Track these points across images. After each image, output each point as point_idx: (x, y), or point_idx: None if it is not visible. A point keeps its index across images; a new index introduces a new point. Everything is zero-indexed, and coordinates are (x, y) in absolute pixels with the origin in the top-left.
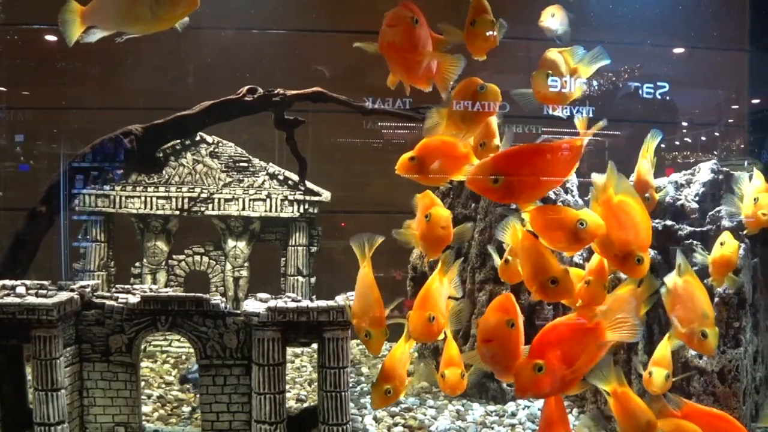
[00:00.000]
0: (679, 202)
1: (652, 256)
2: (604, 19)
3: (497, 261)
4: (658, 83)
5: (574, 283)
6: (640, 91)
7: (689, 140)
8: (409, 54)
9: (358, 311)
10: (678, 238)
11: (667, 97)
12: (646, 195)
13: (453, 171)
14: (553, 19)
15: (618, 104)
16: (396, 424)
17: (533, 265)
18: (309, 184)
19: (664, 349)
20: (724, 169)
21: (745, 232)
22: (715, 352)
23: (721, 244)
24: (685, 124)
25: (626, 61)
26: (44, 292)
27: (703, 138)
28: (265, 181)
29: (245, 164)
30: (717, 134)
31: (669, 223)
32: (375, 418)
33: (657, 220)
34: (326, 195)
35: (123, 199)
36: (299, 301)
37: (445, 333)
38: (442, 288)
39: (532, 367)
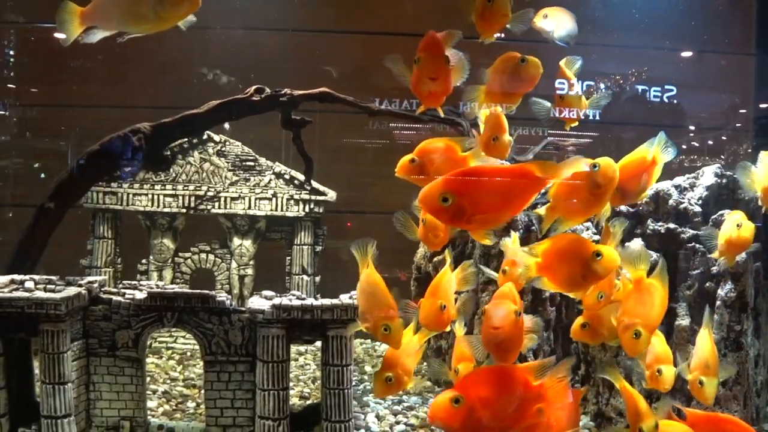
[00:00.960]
0: (682, 206)
1: (654, 258)
2: (611, 23)
3: (493, 275)
4: (665, 86)
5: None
6: (647, 95)
7: (696, 144)
8: (443, 93)
9: (368, 310)
10: (680, 241)
11: (674, 101)
12: None
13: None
14: (547, 20)
15: (624, 107)
16: (398, 422)
17: None
18: (315, 184)
19: (664, 345)
20: (728, 173)
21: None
22: (712, 402)
23: (738, 225)
24: (692, 127)
25: (633, 65)
26: (52, 287)
27: (710, 142)
28: (271, 180)
29: (252, 163)
30: (724, 138)
31: (672, 226)
32: (377, 416)
33: (660, 223)
34: (332, 195)
35: (130, 196)
36: (304, 299)
37: (453, 328)
38: (452, 282)
39: (451, 398)
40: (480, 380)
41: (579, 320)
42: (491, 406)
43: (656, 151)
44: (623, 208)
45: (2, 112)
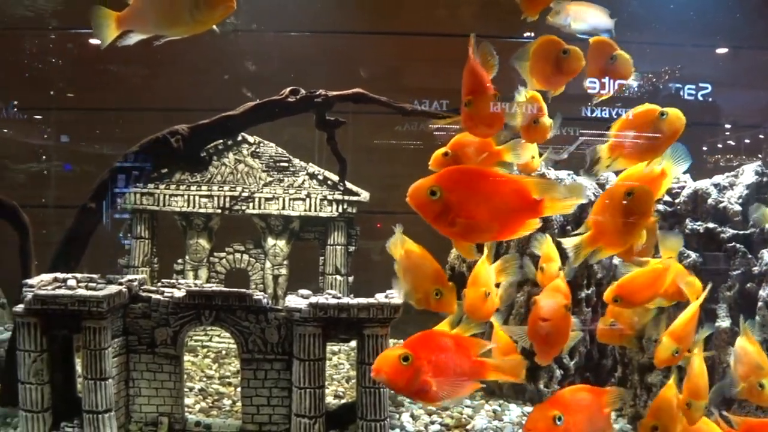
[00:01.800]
0: (721, 205)
1: (693, 258)
2: (644, 19)
3: (533, 271)
4: (700, 84)
5: None
6: (682, 93)
7: (732, 143)
8: (497, 129)
9: (416, 281)
10: (720, 240)
11: (710, 99)
12: None
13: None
14: (560, 15)
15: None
16: (433, 422)
17: None
18: (348, 184)
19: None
20: None
21: None
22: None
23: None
24: (727, 126)
25: (667, 62)
26: (94, 285)
27: (747, 140)
28: (304, 180)
29: (285, 164)
30: (761, 136)
31: (711, 226)
32: (412, 416)
33: (699, 223)
34: (365, 195)
35: (167, 197)
36: (340, 297)
37: (492, 324)
38: (492, 272)
39: (399, 356)
40: (431, 343)
41: (604, 320)
42: (440, 369)
43: (667, 163)
44: (660, 207)
45: (40, 117)
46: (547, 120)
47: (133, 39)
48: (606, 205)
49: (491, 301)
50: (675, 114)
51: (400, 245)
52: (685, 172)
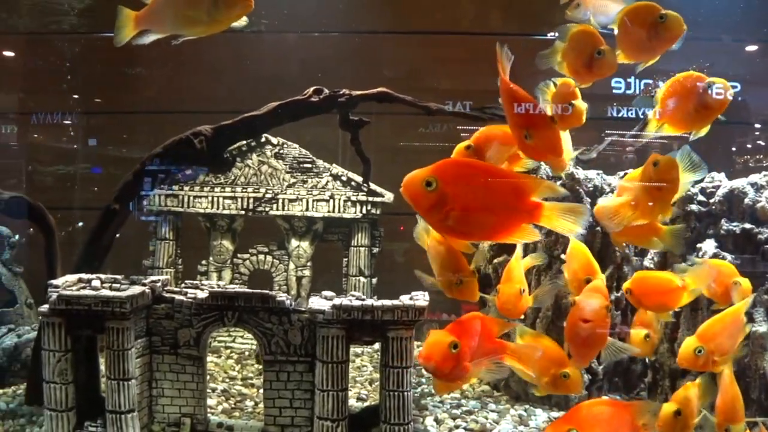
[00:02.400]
0: (759, 204)
1: (729, 260)
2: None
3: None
4: (730, 83)
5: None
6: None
7: (762, 142)
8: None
9: (440, 269)
10: (757, 242)
11: (739, 97)
12: None
13: (511, 162)
14: (579, 9)
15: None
16: (457, 427)
17: None
18: (372, 185)
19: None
20: None
21: None
22: None
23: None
24: (757, 125)
25: (695, 60)
26: (117, 285)
27: None
28: (328, 182)
29: (309, 165)
30: None
31: (748, 226)
32: (436, 420)
33: (735, 223)
34: (389, 196)
35: (191, 198)
36: (364, 299)
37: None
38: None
39: (449, 343)
40: (470, 329)
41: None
42: (472, 353)
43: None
44: (694, 207)
45: (68, 121)
46: (581, 103)
47: (150, 38)
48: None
49: (525, 298)
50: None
51: (426, 234)
52: (704, 173)
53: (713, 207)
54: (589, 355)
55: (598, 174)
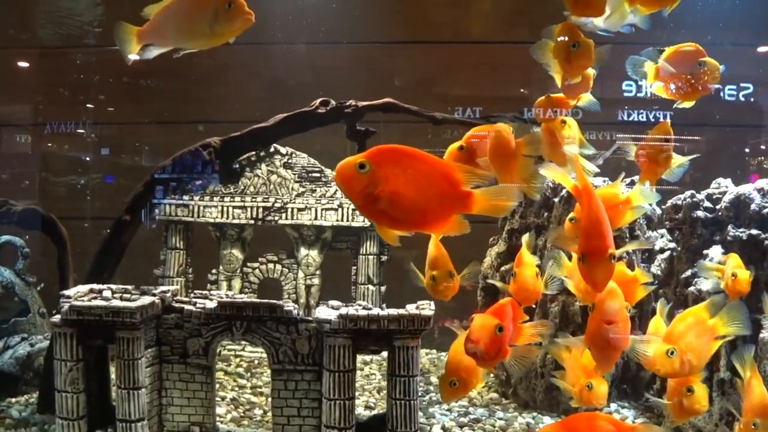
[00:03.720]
0: (765, 210)
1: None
2: (679, 18)
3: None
4: (741, 84)
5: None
6: (722, 93)
7: None
8: None
9: (426, 269)
10: (764, 248)
11: (751, 99)
12: None
13: None
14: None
15: (697, 108)
16: None
17: None
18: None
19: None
20: None
21: None
22: None
23: (733, 275)
24: None
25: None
26: (128, 296)
27: None
28: (337, 190)
29: (318, 174)
30: None
31: (755, 232)
32: (443, 428)
33: (741, 229)
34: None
35: (201, 208)
36: (370, 309)
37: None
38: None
39: (495, 326)
40: (506, 312)
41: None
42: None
43: (635, 194)
44: (701, 213)
45: (81, 131)
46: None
47: (154, 52)
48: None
49: (539, 282)
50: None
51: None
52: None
53: (719, 213)
54: (613, 357)
55: (604, 181)
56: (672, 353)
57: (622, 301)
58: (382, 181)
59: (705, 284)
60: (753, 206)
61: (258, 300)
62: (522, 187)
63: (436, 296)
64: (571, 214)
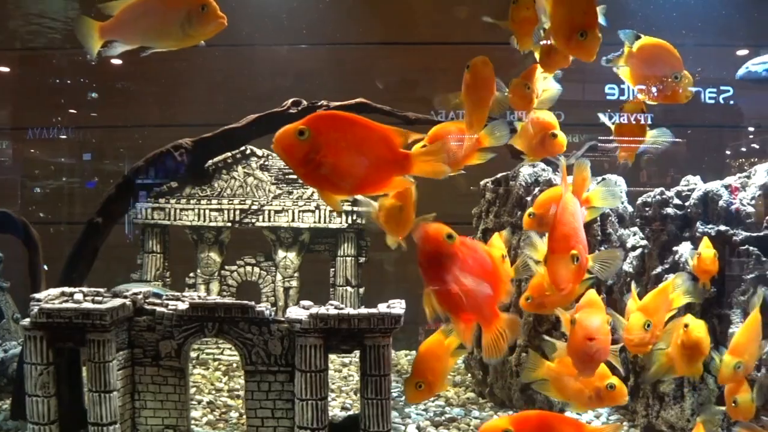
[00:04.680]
0: (733, 206)
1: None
2: (659, 21)
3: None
4: (721, 87)
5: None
6: (702, 96)
7: (756, 146)
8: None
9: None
10: (733, 243)
11: (731, 101)
12: None
13: (466, 158)
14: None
15: (678, 109)
16: None
17: None
18: (357, 195)
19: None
20: None
21: None
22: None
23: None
24: (751, 129)
25: (686, 65)
26: (100, 298)
27: None
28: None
29: (294, 176)
30: None
31: (723, 228)
32: (418, 427)
33: (710, 226)
34: (374, 206)
35: (177, 211)
36: (342, 308)
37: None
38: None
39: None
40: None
41: (524, 295)
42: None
43: (595, 194)
44: (670, 210)
45: (63, 135)
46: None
47: (119, 49)
48: None
49: (507, 264)
50: None
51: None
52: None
53: (689, 210)
54: (594, 368)
55: None
56: (648, 326)
57: (603, 315)
58: (322, 148)
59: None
60: (721, 203)
61: (230, 301)
62: (454, 171)
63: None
64: (530, 209)
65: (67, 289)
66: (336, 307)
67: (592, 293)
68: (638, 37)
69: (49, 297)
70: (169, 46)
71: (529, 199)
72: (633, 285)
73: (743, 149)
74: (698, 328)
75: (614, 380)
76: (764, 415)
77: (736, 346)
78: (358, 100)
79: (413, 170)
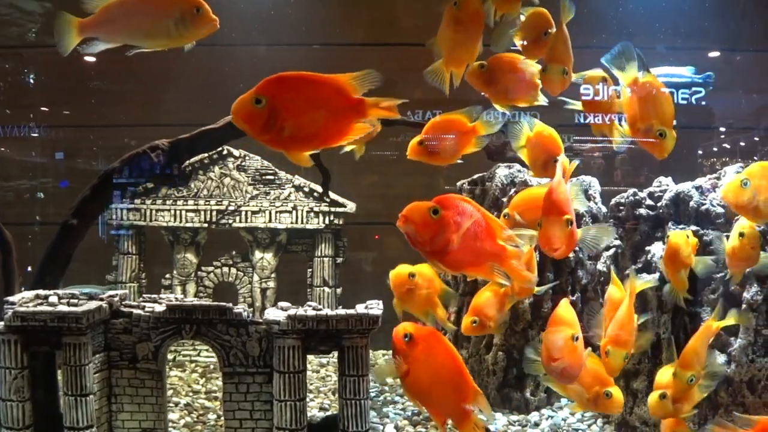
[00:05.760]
0: (703, 207)
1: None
2: (633, 24)
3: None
4: (694, 88)
5: None
6: (675, 97)
7: (728, 146)
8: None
9: None
10: (704, 243)
11: (703, 102)
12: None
13: (462, 147)
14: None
15: None
16: None
17: None
18: (334, 196)
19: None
20: None
21: None
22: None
23: (741, 235)
24: (723, 129)
25: (658, 67)
26: (75, 301)
27: (743, 143)
28: (291, 193)
29: (271, 177)
30: (756, 139)
31: (694, 228)
32: (396, 427)
33: (681, 226)
34: (351, 206)
35: (153, 212)
36: (319, 309)
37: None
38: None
39: (429, 208)
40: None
41: (467, 319)
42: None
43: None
44: (643, 211)
45: (35, 134)
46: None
47: (100, 47)
48: None
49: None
50: None
51: None
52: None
53: (660, 211)
54: (570, 382)
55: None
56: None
57: (567, 333)
58: (281, 111)
59: (647, 277)
60: (692, 203)
61: (207, 303)
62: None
63: None
64: (505, 210)
65: (41, 292)
66: (314, 308)
67: (562, 308)
68: None
69: (24, 300)
70: (157, 47)
71: (505, 200)
72: (613, 271)
73: (714, 149)
74: (678, 236)
75: (614, 390)
76: (735, 410)
77: (686, 358)
78: None
79: (370, 113)
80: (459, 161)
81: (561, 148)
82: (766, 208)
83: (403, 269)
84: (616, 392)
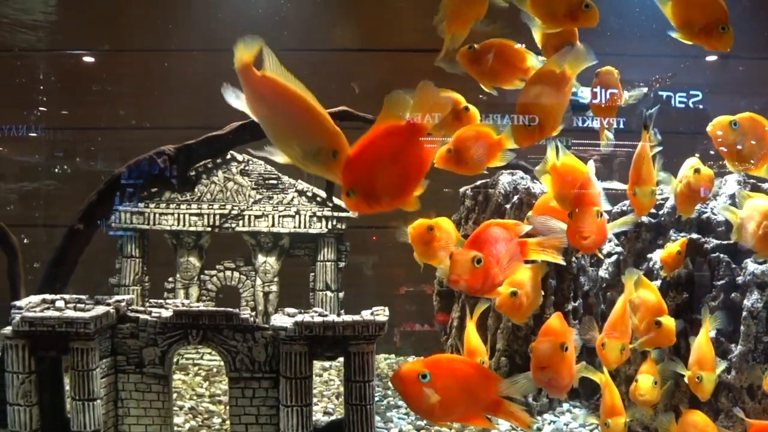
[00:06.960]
0: (704, 215)
1: (678, 271)
2: (631, 29)
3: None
4: (691, 92)
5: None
6: (672, 101)
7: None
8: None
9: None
10: (704, 251)
11: (701, 107)
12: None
13: (489, 158)
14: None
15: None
16: None
17: None
18: (336, 201)
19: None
20: (751, 180)
21: None
22: (708, 396)
23: (696, 171)
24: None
25: (656, 71)
26: (82, 306)
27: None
28: (294, 197)
29: (275, 181)
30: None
31: (695, 236)
32: (400, 431)
33: (682, 234)
34: (353, 211)
35: (157, 216)
36: (326, 315)
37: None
38: None
39: (472, 259)
40: (486, 237)
41: (505, 288)
42: (497, 260)
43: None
44: (644, 219)
45: (34, 134)
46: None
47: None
48: None
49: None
50: None
51: None
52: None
53: (662, 218)
54: (560, 390)
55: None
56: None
57: (554, 342)
58: (371, 191)
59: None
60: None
61: (214, 308)
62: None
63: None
64: (529, 213)
65: (48, 297)
66: (320, 314)
67: (553, 319)
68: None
69: (31, 305)
70: (277, 156)
71: (508, 206)
72: (627, 275)
73: (712, 152)
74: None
75: (665, 319)
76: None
77: (699, 359)
78: (340, 108)
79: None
80: (484, 172)
81: (589, 183)
82: (748, 153)
83: (422, 222)
84: (668, 321)
